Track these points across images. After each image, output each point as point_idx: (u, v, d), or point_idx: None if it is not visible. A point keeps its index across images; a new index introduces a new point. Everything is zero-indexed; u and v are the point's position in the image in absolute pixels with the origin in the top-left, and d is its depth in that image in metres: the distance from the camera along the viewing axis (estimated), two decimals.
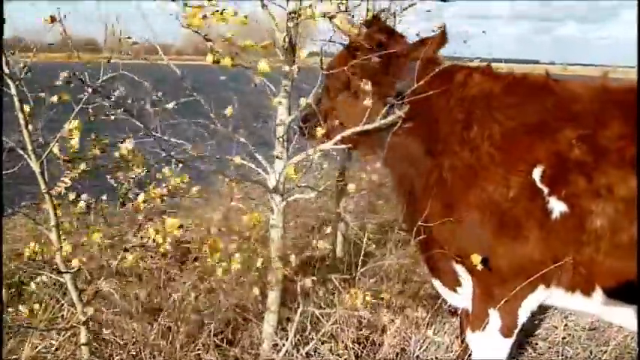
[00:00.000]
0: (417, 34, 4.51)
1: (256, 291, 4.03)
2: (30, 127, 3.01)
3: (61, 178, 3.35)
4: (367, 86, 3.62)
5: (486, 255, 3.37)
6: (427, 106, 3.57)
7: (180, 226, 3.21)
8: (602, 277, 3.20)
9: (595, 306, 3.33)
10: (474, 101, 3.51)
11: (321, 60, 3.68)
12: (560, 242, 3.21)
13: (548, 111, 3.36)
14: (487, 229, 3.35)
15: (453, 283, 3.70)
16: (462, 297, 3.74)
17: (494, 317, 3.44)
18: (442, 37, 3.70)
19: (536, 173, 3.25)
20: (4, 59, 2.81)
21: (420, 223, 3.60)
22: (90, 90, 3.09)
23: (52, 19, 2.90)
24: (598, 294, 3.25)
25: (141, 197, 3.19)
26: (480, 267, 3.30)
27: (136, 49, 3.52)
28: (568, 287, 3.32)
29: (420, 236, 3.65)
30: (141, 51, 3.67)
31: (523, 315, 3.45)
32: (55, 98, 3.02)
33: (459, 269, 3.57)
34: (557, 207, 3.20)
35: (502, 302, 3.39)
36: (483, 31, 5.23)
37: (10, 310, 3.89)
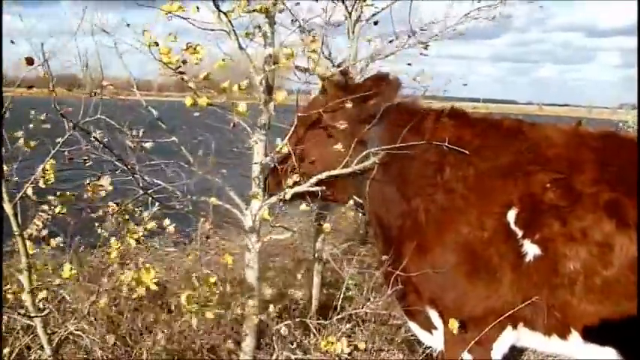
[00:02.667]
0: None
1: (230, 345, 3.96)
2: (4, 167, 2.97)
3: (34, 221, 3.32)
4: (343, 126, 3.67)
5: (459, 298, 3.38)
6: (399, 150, 3.60)
7: (156, 282, 3.17)
8: (577, 320, 3.21)
9: (572, 349, 3.34)
10: (446, 151, 3.51)
11: (297, 101, 3.74)
12: (533, 285, 3.23)
13: (523, 154, 3.41)
14: (461, 271, 3.37)
15: (429, 325, 3.69)
16: (439, 339, 3.73)
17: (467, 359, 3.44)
18: (397, 81, 3.82)
19: (511, 215, 3.28)
20: None
21: (391, 269, 3.62)
22: (70, 127, 3.07)
23: (29, 62, 2.89)
24: (574, 337, 3.26)
25: (113, 240, 3.15)
26: (455, 327, 3.31)
27: (114, 88, 3.52)
28: (545, 331, 3.32)
29: (394, 280, 3.64)
30: (119, 89, 3.68)
31: (496, 356, 3.45)
32: (21, 142, 2.99)
33: (432, 313, 3.57)
34: (531, 250, 3.22)
35: (473, 345, 3.39)
36: (464, 84, 5.32)
37: None
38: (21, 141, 3.01)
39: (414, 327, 3.88)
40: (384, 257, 3.73)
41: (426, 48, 4.76)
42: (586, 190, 3.19)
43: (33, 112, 3.23)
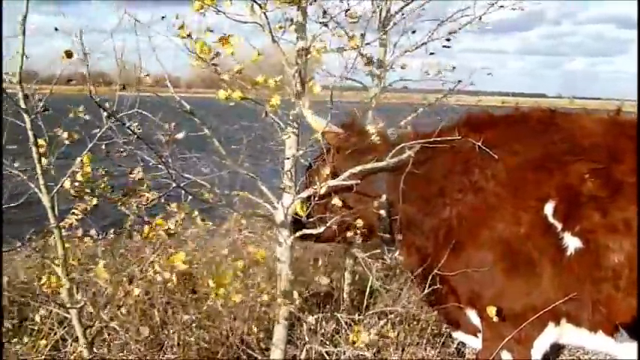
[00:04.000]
0: (427, 72, 4.58)
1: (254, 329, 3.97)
2: (44, 160, 3.01)
3: (72, 212, 3.36)
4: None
5: (497, 294, 3.32)
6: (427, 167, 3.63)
7: (186, 262, 3.18)
8: (623, 315, 3.09)
9: (617, 345, 3.21)
10: (471, 151, 3.49)
11: (331, 97, 3.72)
12: (575, 279, 3.13)
13: (556, 145, 3.33)
14: (498, 268, 3.31)
15: (473, 330, 3.61)
16: None
17: (507, 359, 3.36)
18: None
19: (548, 208, 3.20)
20: (20, 94, 2.83)
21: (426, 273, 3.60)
22: (107, 119, 3.10)
23: (68, 55, 2.92)
24: (620, 333, 3.14)
25: (146, 229, 3.17)
26: (493, 314, 3.24)
27: (148, 83, 3.55)
28: (590, 327, 3.20)
29: (431, 288, 3.60)
30: (153, 85, 3.71)
31: (536, 355, 3.35)
32: (65, 135, 3.03)
33: (471, 314, 3.51)
34: (572, 243, 3.13)
35: (513, 343, 3.32)
36: (489, 73, 5.24)
37: (14, 341, 3.84)
38: (64, 134, 3.03)
39: (458, 335, 3.82)
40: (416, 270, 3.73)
41: (448, 40, 4.70)
42: (627, 179, 3.08)
43: (70, 107, 3.26)
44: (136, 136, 3.19)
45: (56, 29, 2.99)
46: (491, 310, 3.25)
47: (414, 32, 4.72)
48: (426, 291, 3.66)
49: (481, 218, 3.38)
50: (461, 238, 3.44)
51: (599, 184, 3.13)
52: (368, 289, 4.12)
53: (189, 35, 3.29)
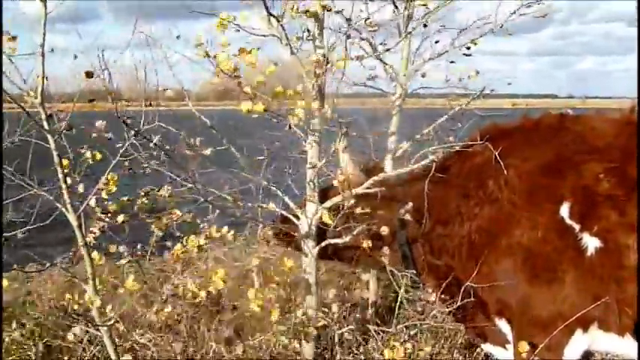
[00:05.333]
0: (447, 80, 4.57)
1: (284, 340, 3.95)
2: (68, 180, 3.02)
3: (91, 229, 3.36)
4: None
5: (523, 302, 3.27)
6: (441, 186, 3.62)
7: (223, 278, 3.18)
8: None
9: None
10: (482, 166, 3.52)
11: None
12: (599, 281, 3.08)
13: (568, 147, 3.30)
14: (520, 274, 3.26)
15: (502, 341, 3.56)
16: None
17: None
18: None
19: (564, 210, 3.16)
20: (43, 114, 2.85)
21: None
22: (130, 135, 3.12)
23: (89, 75, 2.94)
24: None
25: (178, 247, 3.17)
26: (524, 350, 3.20)
27: (169, 97, 3.59)
28: (618, 331, 3.14)
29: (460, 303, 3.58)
30: (173, 99, 3.74)
31: None
32: (88, 154, 3.05)
33: (501, 324, 3.46)
34: (591, 243, 3.08)
35: (543, 351, 3.25)
36: (509, 83, 5.19)
37: None
38: (88, 153, 3.04)
39: (488, 347, 3.77)
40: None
41: (468, 48, 4.68)
42: None
43: (89, 124, 3.28)
44: (163, 152, 3.20)
45: (76, 57, 3.01)
46: (523, 346, 3.21)
47: (437, 42, 4.71)
48: (454, 306, 3.64)
49: (498, 227, 3.37)
50: (481, 251, 3.42)
51: (614, 183, 3.09)
52: (399, 301, 4.07)
53: (207, 54, 3.31)
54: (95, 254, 3.09)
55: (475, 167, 3.57)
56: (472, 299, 3.52)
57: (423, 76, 4.84)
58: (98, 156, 3.06)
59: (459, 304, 3.58)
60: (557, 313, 3.19)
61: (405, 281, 3.95)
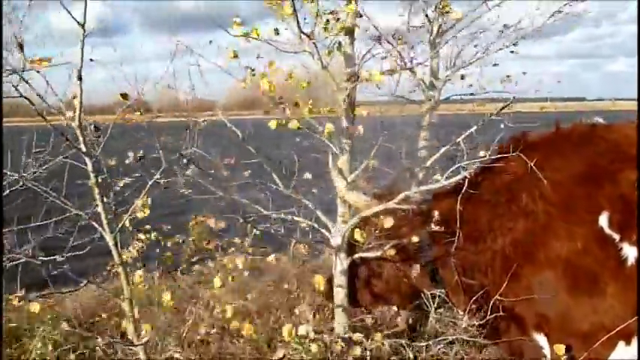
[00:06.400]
0: (470, 86, 4.53)
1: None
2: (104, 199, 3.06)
3: (130, 248, 3.40)
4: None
5: (562, 314, 3.21)
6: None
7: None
8: None
9: None
10: (513, 179, 3.49)
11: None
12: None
13: (603, 156, 3.24)
14: (560, 286, 3.20)
15: (540, 357, 3.47)
16: None
17: None
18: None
19: (603, 220, 3.10)
20: (81, 139, 2.89)
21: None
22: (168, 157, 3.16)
23: (124, 97, 2.98)
24: None
25: (217, 278, 3.19)
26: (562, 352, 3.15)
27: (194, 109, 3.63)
28: None
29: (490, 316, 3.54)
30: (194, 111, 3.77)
31: None
32: (121, 183, 3.09)
33: (539, 338, 3.40)
34: (632, 253, 3.02)
35: None
36: (524, 72, 5.12)
37: None
38: (125, 180, 3.09)
39: None
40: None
41: (515, 45, 4.63)
42: None
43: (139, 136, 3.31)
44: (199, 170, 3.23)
45: (114, 80, 3.07)
46: (560, 349, 3.15)
47: (475, 46, 4.68)
48: (486, 320, 3.60)
49: (534, 240, 3.31)
50: (518, 264, 3.37)
51: None
52: (431, 317, 4.03)
53: (253, 71, 3.34)
54: (138, 273, 3.11)
55: (506, 181, 3.52)
56: (506, 314, 3.47)
57: (462, 78, 4.80)
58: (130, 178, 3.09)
59: (490, 317, 3.54)
60: (598, 325, 3.11)
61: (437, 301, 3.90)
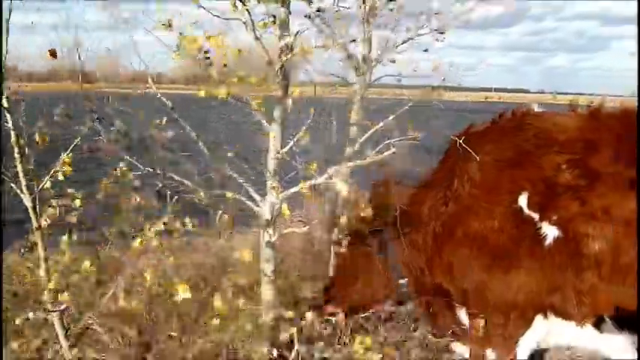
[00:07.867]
0: (415, 70, 4.58)
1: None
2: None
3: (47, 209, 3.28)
4: None
5: (479, 290, 3.33)
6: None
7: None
8: (608, 305, 3.09)
9: (605, 339, 3.21)
10: (451, 167, 3.64)
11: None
12: (557, 269, 3.13)
13: (529, 141, 3.36)
14: (476, 263, 3.33)
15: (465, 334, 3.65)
16: None
17: (492, 358, 3.36)
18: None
19: (523, 200, 3.22)
20: (5, 92, 2.77)
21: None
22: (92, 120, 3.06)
23: (53, 54, 2.87)
24: (607, 325, 3.14)
25: (137, 242, 3.13)
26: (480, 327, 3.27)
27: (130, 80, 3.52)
28: (578, 320, 3.20)
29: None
30: (136, 81, 3.67)
31: (522, 354, 3.35)
32: (36, 137, 2.98)
33: (461, 313, 3.52)
34: (551, 232, 3.14)
35: (499, 340, 3.31)
36: (481, 65, 5.19)
37: None
38: (36, 136, 2.98)
39: (456, 347, 3.89)
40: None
41: (442, 33, 4.68)
42: (606, 169, 3.10)
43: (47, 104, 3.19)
44: (124, 137, 3.14)
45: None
46: (478, 324, 3.32)
47: (391, 10, 4.68)
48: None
49: (456, 220, 3.47)
50: (441, 241, 3.55)
51: (576, 174, 3.15)
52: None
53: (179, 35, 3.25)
54: (64, 239, 3.02)
55: (447, 170, 3.65)
56: (436, 292, 3.62)
57: (393, 62, 4.82)
58: (46, 139, 2.98)
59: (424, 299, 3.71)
60: (512, 301, 3.25)
61: None
